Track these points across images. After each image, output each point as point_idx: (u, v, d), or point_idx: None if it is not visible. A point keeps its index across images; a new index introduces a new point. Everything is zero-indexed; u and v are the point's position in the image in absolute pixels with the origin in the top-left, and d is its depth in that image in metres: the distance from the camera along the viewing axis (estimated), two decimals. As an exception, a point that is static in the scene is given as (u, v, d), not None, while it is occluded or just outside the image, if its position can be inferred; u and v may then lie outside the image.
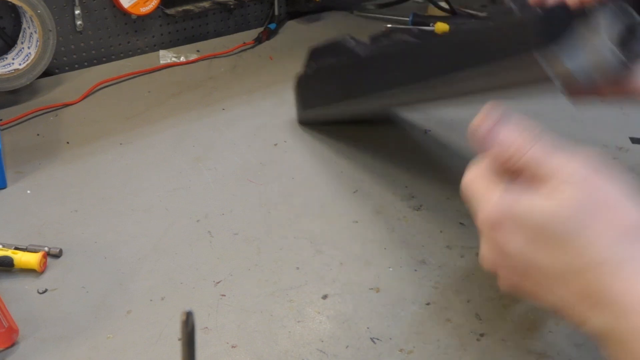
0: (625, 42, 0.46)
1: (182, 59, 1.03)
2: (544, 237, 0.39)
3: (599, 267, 0.37)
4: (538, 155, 0.39)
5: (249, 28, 1.16)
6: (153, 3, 1.01)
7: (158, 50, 1.06)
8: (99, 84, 0.93)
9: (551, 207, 0.38)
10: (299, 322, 0.53)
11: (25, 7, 0.84)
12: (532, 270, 0.40)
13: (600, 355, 0.38)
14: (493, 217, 0.40)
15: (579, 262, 0.38)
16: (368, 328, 0.53)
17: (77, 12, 0.96)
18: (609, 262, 0.37)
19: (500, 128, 0.41)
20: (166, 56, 1.03)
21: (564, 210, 0.38)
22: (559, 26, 0.45)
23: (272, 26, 1.14)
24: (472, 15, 1.21)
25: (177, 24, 1.08)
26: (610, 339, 0.37)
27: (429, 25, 1.14)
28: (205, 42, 1.10)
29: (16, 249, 0.59)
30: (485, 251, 0.43)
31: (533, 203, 0.39)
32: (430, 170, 0.75)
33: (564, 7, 0.46)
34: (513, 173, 0.41)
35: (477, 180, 0.42)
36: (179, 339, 0.41)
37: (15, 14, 0.90)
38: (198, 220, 0.66)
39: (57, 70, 0.97)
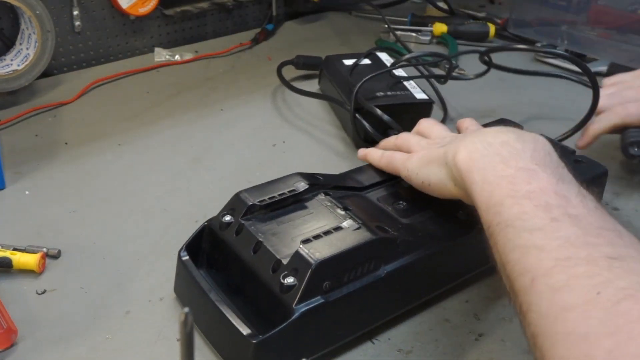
0: None
1: (177, 57, 1.03)
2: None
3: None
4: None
5: (247, 28, 1.16)
6: (151, 4, 1.01)
7: (157, 51, 1.06)
8: (93, 82, 0.93)
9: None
10: (297, 322, 0.53)
11: (23, 8, 0.84)
12: None
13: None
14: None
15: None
16: (367, 328, 0.53)
17: (75, 12, 0.96)
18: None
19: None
20: (161, 54, 1.03)
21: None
22: None
23: (270, 27, 1.14)
24: (470, 16, 1.21)
25: (176, 25, 1.08)
26: None
27: (427, 26, 1.14)
28: (203, 42, 1.10)
29: (15, 249, 0.59)
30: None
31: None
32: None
33: None
34: None
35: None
36: (178, 340, 0.41)
37: (14, 15, 0.90)
38: (197, 221, 0.66)
39: (55, 71, 0.97)
